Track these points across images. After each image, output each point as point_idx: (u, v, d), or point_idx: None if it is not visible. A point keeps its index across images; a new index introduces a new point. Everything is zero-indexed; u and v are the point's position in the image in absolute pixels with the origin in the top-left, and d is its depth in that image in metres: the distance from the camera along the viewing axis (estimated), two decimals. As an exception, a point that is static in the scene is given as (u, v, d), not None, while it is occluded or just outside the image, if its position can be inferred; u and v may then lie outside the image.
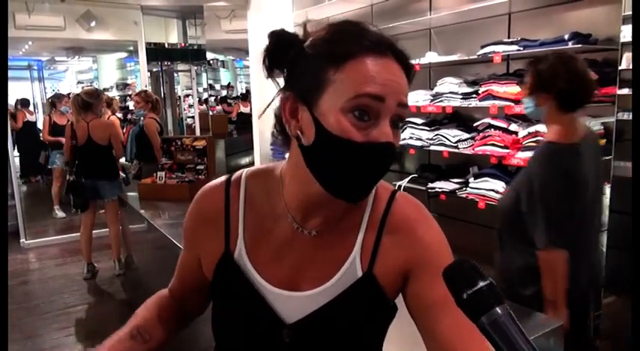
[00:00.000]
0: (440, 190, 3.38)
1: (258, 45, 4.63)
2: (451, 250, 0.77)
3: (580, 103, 1.69)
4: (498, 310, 0.47)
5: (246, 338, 0.78)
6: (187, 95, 7.48)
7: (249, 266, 0.77)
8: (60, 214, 5.90)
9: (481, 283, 0.48)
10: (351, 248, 0.75)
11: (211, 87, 7.01)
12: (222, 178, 0.83)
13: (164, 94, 7.11)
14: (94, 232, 4.18)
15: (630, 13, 2.33)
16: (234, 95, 7.27)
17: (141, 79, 6.10)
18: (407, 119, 3.62)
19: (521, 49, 2.87)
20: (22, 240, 5.15)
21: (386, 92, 0.64)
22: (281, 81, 0.73)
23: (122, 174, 4.25)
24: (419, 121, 3.57)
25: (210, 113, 6.75)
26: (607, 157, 2.50)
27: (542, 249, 1.65)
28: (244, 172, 0.83)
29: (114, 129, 4.06)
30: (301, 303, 0.75)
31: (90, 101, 3.88)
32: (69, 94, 6.20)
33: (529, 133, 2.81)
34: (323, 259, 0.75)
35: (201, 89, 7.00)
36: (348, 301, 0.74)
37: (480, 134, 3.13)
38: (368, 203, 0.77)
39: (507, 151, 2.92)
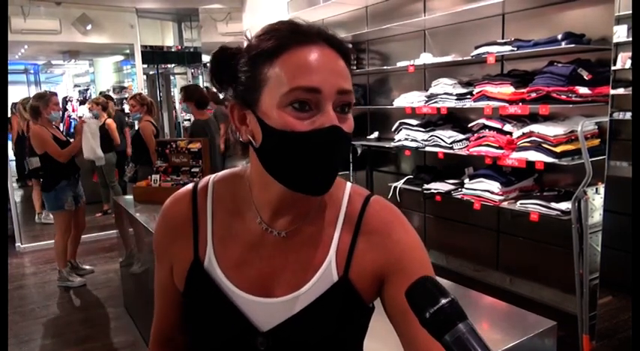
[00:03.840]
0: (435, 191, 3.37)
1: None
2: (428, 254, 0.76)
3: None
4: (461, 326, 0.47)
5: (220, 346, 0.76)
6: (184, 98, 7.46)
7: (219, 273, 0.74)
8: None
9: (443, 301, 0.48)
10: (325, 252, 0.73)
11: (208, 90, 6.99)
12: (189, 185, 0.81)
13: (160, 97, 7.11)
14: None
15: (623, 13, 2.33)
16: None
17: (137, 82, 6.10)
18: (402, 121, 3.63)
19: (515, 49, 2.88)
20: (18, 244, 5.13)
21: (321, 82, 0.63)
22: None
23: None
24: (414, 122, 3.57)
25: (207, 116, 6.74)
26: (601, 157, 2.50)
27: None
28: (211, 177, 0.82)
29: (34, 139, 3.86)
30: (275, 310, 0.72)
31: (35, 104, 3.78)
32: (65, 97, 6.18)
33: (523, 134, 2.81)
34: (296, 263, 0.74)
35: (197, 92, 6.99)
36: (324, 307, 0.72)
37: (475, 135, 3.13)
38: (342, 205, 0.75)
39: (502, 151, 2.92)
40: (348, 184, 0.79)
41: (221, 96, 6.85)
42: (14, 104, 7.07)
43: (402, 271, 0.71)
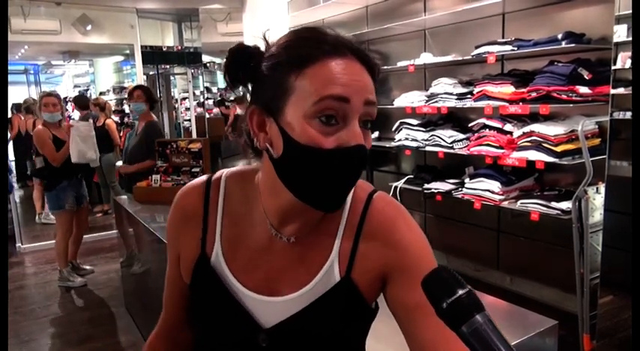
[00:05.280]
0: (436, 190, 3.37)
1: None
2: (432, 252, 0.75)
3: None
4: (478, 317, 0.46)
5: (222, 341, 0.77)
6: (184, 98, 7.48)
7: (225, 270, 0.76)
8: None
9: (460, 292, 0.47)
10: (328, 253, 0.74)
11: (208, 90, 7.01)
12: (203, 177, 0.82)
13: (161, 97, 7.11)
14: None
15: (623, 12, 2.33)
16: (231, 98, 7.27)
17: (137, 83, 6.10)
18: (402, 120, 3.63)
19: (516, 49, 2.87)
20: (18, 244, 5.14)
21: (350, 92, 0.62)
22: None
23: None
24: (414, 121, 3.57)
25: (207, 116, 6.75)
26: (602, 157, 2.50)
27: None
28: (224, 172, 0.81)
29: (35, 139, 3.84)
30: (278, 308, 0.73)
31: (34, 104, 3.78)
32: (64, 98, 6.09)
33: (524, 133, 2.81)
34: (300, 265, 0.74)
35: (197, 92, 7.01)
36: (325, 306, 0.72)
37: (475, 134, 3.13)
38: (345, 206, 0.75)
39: (502, 151, 2.92)
40: None
41: (210, 102, 6.85)
42: (14, 105, 7.07)
43: (405, 270, 0.71)
